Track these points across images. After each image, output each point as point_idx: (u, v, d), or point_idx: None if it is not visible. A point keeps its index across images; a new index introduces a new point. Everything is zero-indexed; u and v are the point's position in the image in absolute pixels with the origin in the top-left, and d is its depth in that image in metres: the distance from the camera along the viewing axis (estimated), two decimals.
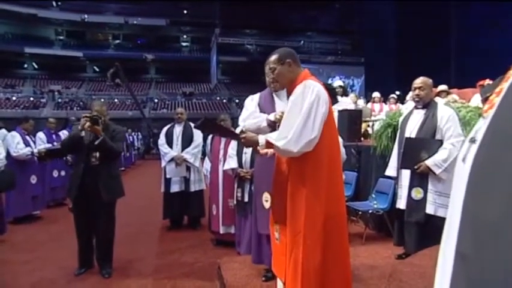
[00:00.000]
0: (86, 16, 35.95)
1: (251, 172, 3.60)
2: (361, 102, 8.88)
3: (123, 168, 13.11)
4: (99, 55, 36.24)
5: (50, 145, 6.33)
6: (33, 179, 5.90)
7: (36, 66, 36.49)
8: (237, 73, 37.89)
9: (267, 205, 2.57)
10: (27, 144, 5.76)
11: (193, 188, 5.22)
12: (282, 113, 2.52)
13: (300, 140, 1.94)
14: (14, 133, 5.74)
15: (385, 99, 8.81)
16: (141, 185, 9.87)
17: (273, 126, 2.59)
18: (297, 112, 1.98)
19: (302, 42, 35.49)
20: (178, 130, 5.29)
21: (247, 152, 3.69)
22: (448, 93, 6.14)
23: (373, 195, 4.34)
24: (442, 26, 18.07)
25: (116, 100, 31.88)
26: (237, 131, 2.58)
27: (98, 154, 3.46)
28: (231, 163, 3.81)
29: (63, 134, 7.07)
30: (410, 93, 6.23)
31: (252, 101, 2.90)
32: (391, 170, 3.61)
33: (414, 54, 18.82)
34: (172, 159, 5.14)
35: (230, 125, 4.65)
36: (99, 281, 3.49)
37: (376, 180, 4.50)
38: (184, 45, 40.60)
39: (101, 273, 3.60)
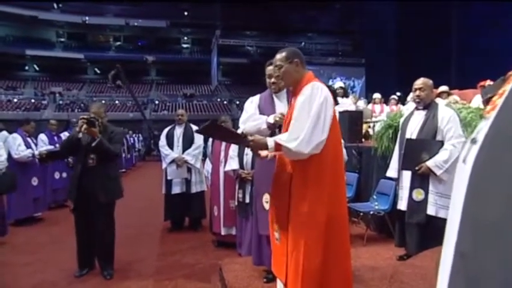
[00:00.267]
0: (86, 18, 36.02)
1: (252, 173, 3.60)
2: (361, 103, 8.88)
3: (123, 170, 13.12)
4: (100, 57, 36.30)
5: (51, 147, 6.33)
6: (35, 181, 5.91)
7: (37, 68, 36.56)
8: (237, 74, 37.92)
9: (267, 206, 2.57)
10: (28, 146, 5.77)
11: (194, 189, 5.22)
12: (282, 114, 2.52)
13: (310, 141, 1.93)
14: (15, 135, 5.75)
15: (385, 100, 8.81)
16: (142, 187, 9.87)
17: (273, 128, 2.59)
18: (306, 114, 1.97)
19: (303, 43, 35.50)
20: (179, 132, 5.29)
21: (249, 153, 3.68)
22: (449, 94, 6.14)
23: (374, 197, 4.34)
24: (443, 26, 18.06)
25: (116, 102, 31.93)
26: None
27: (95, 156, 3.47)
28: (232, 164, 3.81)
29: (65, 135, 7.07)
30: (411, 94, 6.24)
31: (251, 103, 2.90)
32: (392, 171, 3.61)
33: (415, 55, 18.81)
34: (173, 161, 5.14)
35: (231, 126, 4.65)
36: (100, 283, 3.49)
37: (377, 182, 4.50)
38: (184, 46, 40.65)
39: (102, 274, 3.60)
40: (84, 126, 3.34)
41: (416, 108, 3.45)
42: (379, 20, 24.81)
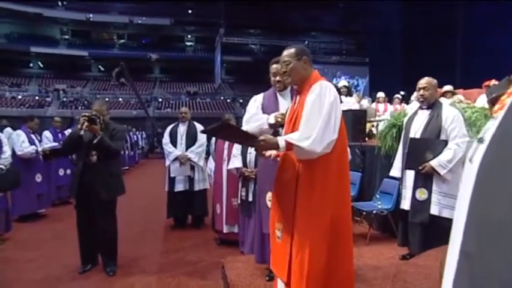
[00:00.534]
0: (91, 15, 36.07)
1: (255, 172, 3.60)
2: (365, 102, 8.86)
3: (127, 167, 13.17)
4: (104, 54, 36.35)
5: (56, 144, 6.37)
6: (38, 178, 5.94)
7: (41, 65, 36.68)
8: (241, 73, 37.88)
9: (270, 205, 2.57)
10: (32, 143, 5.79)
11: (197, 187, 5.23)
12: (282, 114, 2.51)
13: (323, 140, 1.93)
14: (19, 132, 5.78)
15: (389, 99, 8.78)
16: (145, 184, 9.90)
17: (274, 128, 2.58)
18: (318, 112, 1.97)
19: (306, 42, 35.38)
20: (182, 129, 5.30)
21: (252, 151, 3.69)
22: (453, 93, 6.11)
23: (378, 196, 4.33)
24: (448, 25, 17.94)
25: (120, 99, 31.97)
26: None
27: (96, 153, 3.50)
28: (236, 162, 3.81)
29: (69, 132, 7.10)
30: (415, 94, 6.20)
31: (254, 103, 2.89)
32: (395, 171, 3.60)
33: (419, 54, 18.71)
34: (176, 159, 5.15)
35: (235, 124, 4.65)
36: (103, 279, 3.51)
37: (380, 181, 4.49)
38: (188, 44, 40.63)
39: (105, 271, 3.62)
40: (86, 123, 3.36)
41: (420, 108, 3.44)
42: (383, 19, 24.69)
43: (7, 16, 33.00)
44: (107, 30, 38.89)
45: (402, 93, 9.08)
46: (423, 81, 3.36)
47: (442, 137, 3.21)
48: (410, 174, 3.34)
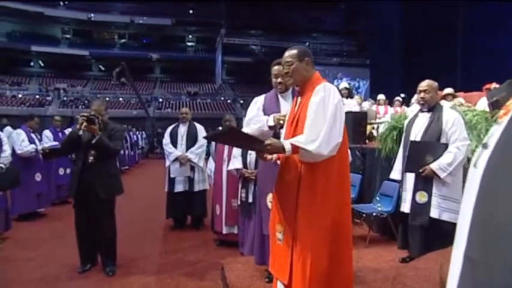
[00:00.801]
0: (92, 15, 36.10)
1: (256, 173, 3.60)
2: (366, 105, 8.85)
3: (127, 167, 13.16)
4: (104, 54, 36.36)
5: (56, 143, 6.37)
6: (38, 177, 5.93)
7: (42, 64, 36.68)
8: (241, 73, 37.90)
9: (271, 206, 2.57)
10: (32, 142, 5.79)
11: (197, 187, 5.23)
12: (282, 115, 2.51)
13: (329, 142, 1.92)
14: (19, 131, 5.77)
15: (390, 101, 8.78)
16: (145, 184, 9.89)
17: (274, 130, 2.58)
18: (323, 115, 1.96)
19: (307, 43, 35.40)
20: (182, 130, 5.30)
21: (252, 152, 3.69)
22: (454, 96, 6.11)
23: (377, 198, 4.32)
24: (449, 27, 17.93)
25: (120, 99, 31.98)
26: None
27: (95, 152, 3.50)
28: (236, 163, 3.81)
29: (69, 132, 7.10)
30: (416, 96, 6.19)
31: (255, 105, 2.89)
32: (395, 173, 3.60)
33: (420, 57, 18.73)
34: (176, 159, 5.15)
35: (235, 125, 4.65)
36: (102, 279, 3.50)
37: (380, 183, 4.48)
38: (189, 45, 40.66)
39: (104, 271, 3.62)
40: (84, 123, 3.36)
41: (421, 111, 3.44)
42: (384, 21, 24.70)
43: (8, 15, 33.02)
44: (108, 30, 38.91)
45: (402, 95, 9.08)
46: (424, 84, 3.36)
47: (443, 140, 3.21)
48: (410, 177, 3.34)
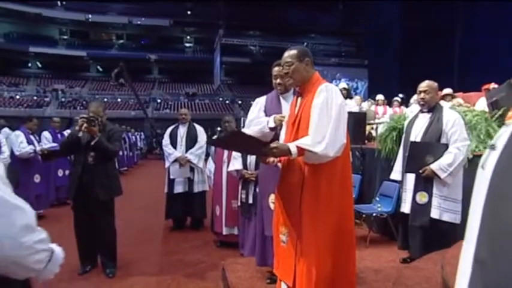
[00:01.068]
0: (90, 16, 36.06)
1: (256, 174, 3.60)
2: (364, 105, 8.86)
3: (125, 168, 13.13)
4: (102, 55, 36.35)
5: (55, 144, 6.35)
6: (37, 178, 5.91)
7: (40, 65, 36.62)
8: (240, 74, 37.92)
9: (273, 207, 2.57)
10: (31, 143, 5.77)
11: (196, 189, 5.22)
12: (282, 116, 2.50)
13: (335, 144, 1.91)
14: (18, 132, 5.75)
15: (389, 102, 8.79)
16: (144, 185, 9.87)
17: (275, 131, 2.57)
18: (327, 116, 1.95)
19: (305, 43, 35.43)
20: (182, 131, 5.29)
21: None
22: (452, 96, 6.13)
23: (377, 199, 4.33)
24: (447, 27, 17.94)
25: (118, 100, 31.95)
26: None
27: (94, 154, 3.51)
28: (236, 164, 3.81)
29: (68, 133, 7.08)
30: (415, 96, 6.20)
31: (255, 106, 2.88)
32: (396, 174, 3.60)
33: (418, 57, 18.73)
34: (176, 160, 5.14)
35: (235, 127, 4.64)
36: (102, 280, 3.49)
37: (380, 183, 4.49)
38: (187, 45, 40.65)
39: (104, 272, 3.61)
40: (85, 124, 3.37)
41: (421, 111, 3.44)
42: (382, 21, 24.72)
43: (6, 16, 32.97)
44: (106, 31, 38.88)
45: (401, 95, 9.09)
46: (424, 85, 3.36)
47: (443, 140, 3.21)
48: (410, 178, 3.34)
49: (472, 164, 3.25)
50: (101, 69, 37.41)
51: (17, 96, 30.32)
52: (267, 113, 2.76)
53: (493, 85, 5.64)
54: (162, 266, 3.89)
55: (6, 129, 6.52)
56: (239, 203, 3.92)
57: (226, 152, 4.27)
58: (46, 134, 6.70)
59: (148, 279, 3.53)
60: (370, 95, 15.91)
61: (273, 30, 35.60)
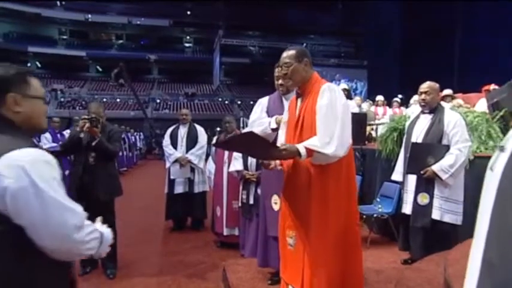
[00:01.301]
0: (89, 16, 36.04)
1: (257, 174, 3.59)
2: (364, 106, 8.86)
3: (125, 168, 13.11)
4: (102, 55, 36.34)
5: (55, 144, 6.34)
6: None
7: (39, 65, 36.56)
8: (239, 74, 37.93)
9: (276, 207, 2.56)
10: None
11: (197, 189, 5.21)
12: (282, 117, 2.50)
13: (343, 144, 1.91)
14: None
15: (388, 102, 8.79)
16: (144, 185, 9.87)
17: (277, 131, 2.57)
18: (332, 116, 1.94)
19: (305, 44, 35.46)
20: (182, 131, 5.28)
21: None
22: (453, 97, 6.13)
23: (378, 199, 4.32)
24: (447, 28, 17.94)
25: (118, 100, 31.95)
26: None
27: (95, 154, 3.52)
28: (237, 165, 3.80)
29: (67, 133, 7.07)
30: (415, 97, 6.20)
31: (258, 107, 2.88)
32: (397, 175, 3.60)
33: (417, 57, 18.74)
34: (176, 160, 5.14)
35: (235, 127, 4.64)
36: (103, 281, 3.49)
37: (380, 184, 4.49)
38: (187, 46, 40.65)
39: (105, 273, 3.60)
40: (87, 125, 3.37)
41: (422, 112, 3.43)
42: (382, 22, 24.72)
43: (5, 15, 32.94)
44: (105, 31, 38.87)
45: (400, 96, 9.09)
46: (425, 86, 3.36)
47: (444, 141, 3.21)
48: (412, 179, 3.34)
49: (473, 165, 3.25)
50: (100, 69, 37.39)
51: None
52: (270, 114, 2.76)
53: (493, 86, 5.64)
54: (163, 267, 3.89)
55: None
56: (240, 204, 3.91)
57: (226, 153, 4.26)
58: (46, 135, 6.69)
59: (148, 280, 3.53)
60: (370, 95, 15.92)
61: (273, 30, 35.63)
